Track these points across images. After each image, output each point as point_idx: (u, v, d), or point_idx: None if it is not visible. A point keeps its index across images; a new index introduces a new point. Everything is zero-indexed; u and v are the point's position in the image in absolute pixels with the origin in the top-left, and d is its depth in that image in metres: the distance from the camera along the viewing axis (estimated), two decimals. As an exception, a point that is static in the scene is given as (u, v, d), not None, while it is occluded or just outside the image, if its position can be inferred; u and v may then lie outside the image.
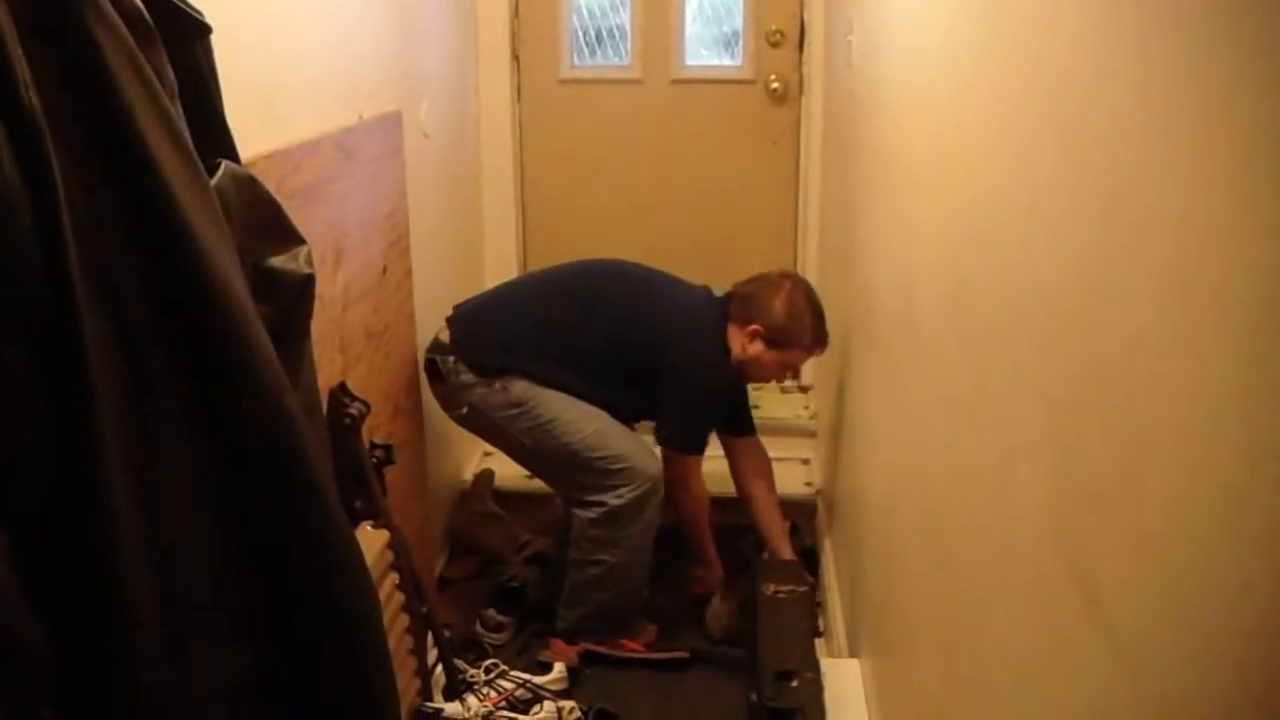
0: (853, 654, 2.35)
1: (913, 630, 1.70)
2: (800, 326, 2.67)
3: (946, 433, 1.44)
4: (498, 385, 2.58)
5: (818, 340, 2.71)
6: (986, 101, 1.25)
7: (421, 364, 2.70)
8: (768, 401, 3.59)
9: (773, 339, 2.65)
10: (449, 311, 2.74)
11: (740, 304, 2.68)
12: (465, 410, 2.64)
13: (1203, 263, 0.67)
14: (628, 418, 2.73)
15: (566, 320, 2.65)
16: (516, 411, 2.58)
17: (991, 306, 1.20)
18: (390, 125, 2.50)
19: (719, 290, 2.76)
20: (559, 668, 2.53)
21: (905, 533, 1.77)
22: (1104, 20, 0.86)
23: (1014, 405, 1.10)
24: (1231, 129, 0.64)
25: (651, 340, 2.63)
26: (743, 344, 2.65)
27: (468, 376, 2.60)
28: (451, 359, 2.60)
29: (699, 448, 2.70)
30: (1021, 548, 1.07)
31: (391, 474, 2.21)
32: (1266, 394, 0.59)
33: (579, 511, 2.62)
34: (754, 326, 2.64)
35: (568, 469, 2.62)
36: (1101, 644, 0.84)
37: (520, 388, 2.57)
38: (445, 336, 2.65)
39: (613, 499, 2.57)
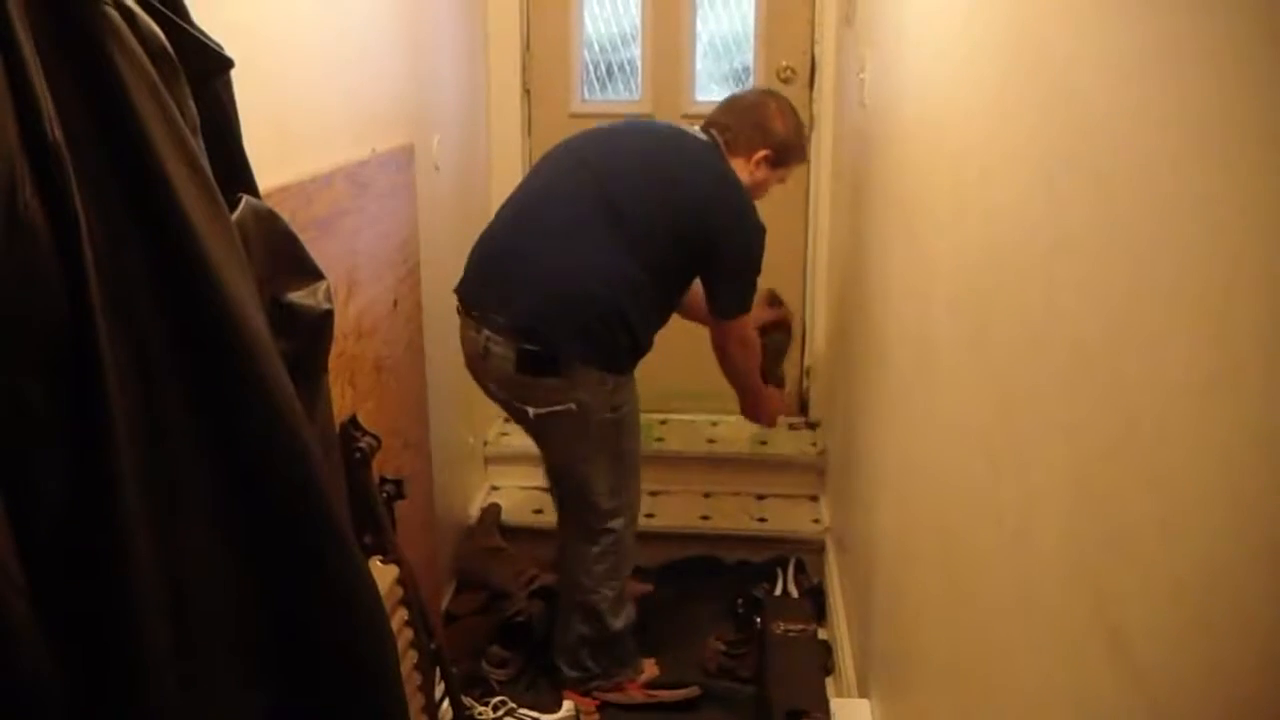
0: (862, 694, 2.33)
1: (926, 671, 1.68)
2: (800, 138, 2.77)
3: (964, 471, 1.42)
4: (610, 384, 2.49)
5: (805, 150, 2.88)
6: (1011, 138, 1.24)
7: (481, 350, 2.52)
8: (775, 438, 3.57)
9: (777, 159, 2.69)
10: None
11: (737, 136, 2.66)
12: (574, 407, 2.47)
13: (1240, 302, 0.66)
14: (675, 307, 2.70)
15: (624, 245, 2.48)
16: (612, 415, 2.51)
17: (1014, 345, 1.19)
18: (402, 159, 2.50)
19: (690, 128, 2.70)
20: (567, 706, 2.52)
21: (919, 571, 1.75)
22: (1134, 54, 0.86)
23: (1036, 444, 1.09)
24: (1270, 166, 0.63)
25: (694, 218, 2.53)
26: (750, 172, 2.66)
27: (595, 373, 2.47)
28: (577, 361, 2.44)
29: (751, 304, 2.68)
30: (1043, 590, 1.05)
31: (399, 508, 2.19)
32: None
33: (588, 547, 2.61)
34: (763, 153, 2.66)
35: (615, 470, 2.57)
36: (1130, 692, 0.82)
37: (627, 389, 2.53)
38: (516, 323, 2.44)
39: (620, 524, 2.59)
